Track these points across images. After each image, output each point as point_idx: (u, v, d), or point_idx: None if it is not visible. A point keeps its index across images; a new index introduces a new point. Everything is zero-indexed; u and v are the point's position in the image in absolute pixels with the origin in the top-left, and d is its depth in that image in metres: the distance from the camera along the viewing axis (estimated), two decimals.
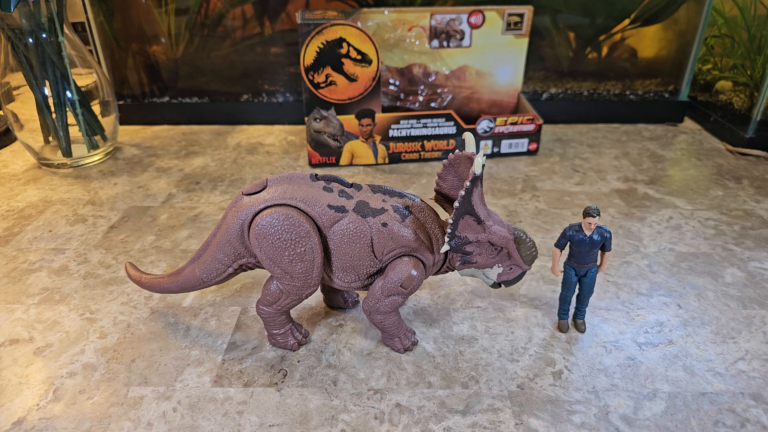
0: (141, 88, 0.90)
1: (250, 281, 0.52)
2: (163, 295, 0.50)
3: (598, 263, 0.45)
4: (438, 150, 0.77)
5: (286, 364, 0.43)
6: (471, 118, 0.84)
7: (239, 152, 0.81)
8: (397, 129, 0.75)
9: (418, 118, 0.74)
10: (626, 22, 0.87)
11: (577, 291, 0.49)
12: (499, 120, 0.76)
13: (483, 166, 0.36)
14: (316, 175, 0.41)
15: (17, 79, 0.72)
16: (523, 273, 0.42)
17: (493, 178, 0.72)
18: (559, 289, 0.51)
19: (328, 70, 0.71)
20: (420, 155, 0.77)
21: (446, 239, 0.38)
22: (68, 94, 0.71)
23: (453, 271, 0.43)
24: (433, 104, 0.83)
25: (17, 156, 0.79)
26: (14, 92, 0.73)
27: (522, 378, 0.42)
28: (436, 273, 0.43)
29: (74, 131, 0.74)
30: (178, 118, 0.91)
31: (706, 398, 0.40)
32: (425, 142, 0.76)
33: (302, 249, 0.39)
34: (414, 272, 0.40)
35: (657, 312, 0.48)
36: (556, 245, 0.44)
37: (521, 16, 0.77)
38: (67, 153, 0.74)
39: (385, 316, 0.42)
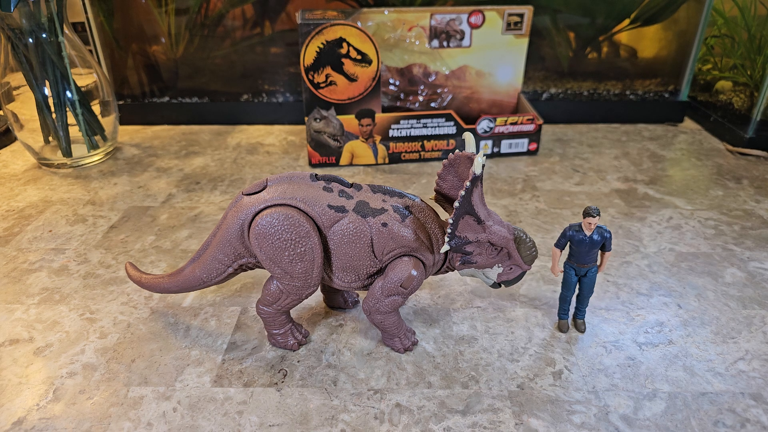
0: (141, 88, 0.90)
1: (250, 281, 0.52)
2: (163, 295, 0.50)
3: (598, 263, 0.45)
4: (438, 150, 0.77)
5: (286, 364, 0.43)
6: (471, 118, 0.84)
7: (239, 152, 0.81)
8: (397, 129, 0.74)
9: (418, 118, 0.74)
10: (626, 22, 0.87)
11: (577, 291, 0.49)
12: (499, 120, 0.76)
13: (483, 166, 0.36)
14: (316, 175, 0.41)
15: (17, 79, 0.72)
16: (523, 273, 0.42)
17: (493, 178, 0.72)
18: (559, 289, 0.51)
19: (328, 70, 0.71)
20: (420, 155, 0.77)
21: (446, 239, 0.38)
22: (68, 94, 0.71)
23: (453, 271, 0.43)
24: (433, 104, 0.83)
25: (17, 156, 0.79)
26: (14, 92, 0.73)
27: (522, 378, 0.42)
28: (436, 273, 0.43)
29: (74, 131, 0.74)
30: (178, 118, 0.91)
31: (706, 398, 0.40)
32: (425, 142, 0.76)
33: (302, 249, 0.39)
34: (414, 272, 0.40)
35: (657, 312, 0.48)
36: (556, 245, 0.44)
37: (521, 16, 0.77)
38: (67, 153, 0.74)
39: (385, 316, 0.42)
